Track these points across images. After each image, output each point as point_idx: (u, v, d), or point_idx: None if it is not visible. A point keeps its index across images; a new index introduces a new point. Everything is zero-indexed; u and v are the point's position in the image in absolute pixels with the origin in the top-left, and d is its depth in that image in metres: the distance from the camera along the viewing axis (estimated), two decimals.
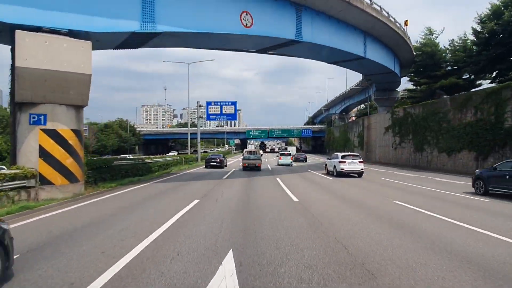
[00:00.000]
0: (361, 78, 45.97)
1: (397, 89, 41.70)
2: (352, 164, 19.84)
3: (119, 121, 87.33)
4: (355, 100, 61.28)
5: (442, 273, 4.38)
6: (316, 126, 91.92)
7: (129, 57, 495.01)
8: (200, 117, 41.18)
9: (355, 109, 79.92)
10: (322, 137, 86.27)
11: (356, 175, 20.10)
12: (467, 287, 3.97)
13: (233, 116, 37.45)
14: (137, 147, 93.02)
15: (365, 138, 45.79)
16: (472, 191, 12.96)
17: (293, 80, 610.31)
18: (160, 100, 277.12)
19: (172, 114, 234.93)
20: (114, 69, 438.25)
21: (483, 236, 6.38)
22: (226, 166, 30.42)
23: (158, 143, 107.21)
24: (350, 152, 30.93)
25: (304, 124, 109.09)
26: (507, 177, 11.20)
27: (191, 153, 54.41)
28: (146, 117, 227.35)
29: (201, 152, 42.20)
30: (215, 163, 28.55)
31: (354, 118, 72.13)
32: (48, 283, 4.02)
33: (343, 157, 20.28)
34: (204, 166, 29.79)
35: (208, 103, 37.98)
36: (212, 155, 32.58)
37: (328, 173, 22.20)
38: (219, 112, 36.27)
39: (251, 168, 24.92)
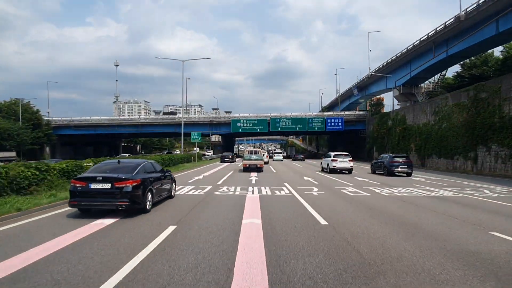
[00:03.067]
0: None
1: None
2: (343, 162, 23.08)
3: (7, 104, 50.97)
4: (479, 38, 26.05)
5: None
6: (352, 112, 56.75)
7: (119, 60, 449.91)
8: None
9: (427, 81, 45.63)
10: (361, 130, 51.47)
11: (347, 172, 23.44)
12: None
13: None
14: (47, 149, 55.52)
15: None
16: (370, 172, 24.21)
17: (284, 84, 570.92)
18: (153, 103, 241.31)
19: (148, 111, 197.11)
20: (103, 72, 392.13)
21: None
22: (235, 161, 42.70)
23: (98, 143, 70.05)
24: None
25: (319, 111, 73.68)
26: (379, 163, 22.49)
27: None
28: (120, 114, 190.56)
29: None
30: (227, 159, 41.61)
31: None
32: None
33: (335, 156, 23.88)
34: None
35: None
36: (225, 153, 45.28)
37: (323, 170, 25.81)
38: None
39: (252, 169, 24.97)
